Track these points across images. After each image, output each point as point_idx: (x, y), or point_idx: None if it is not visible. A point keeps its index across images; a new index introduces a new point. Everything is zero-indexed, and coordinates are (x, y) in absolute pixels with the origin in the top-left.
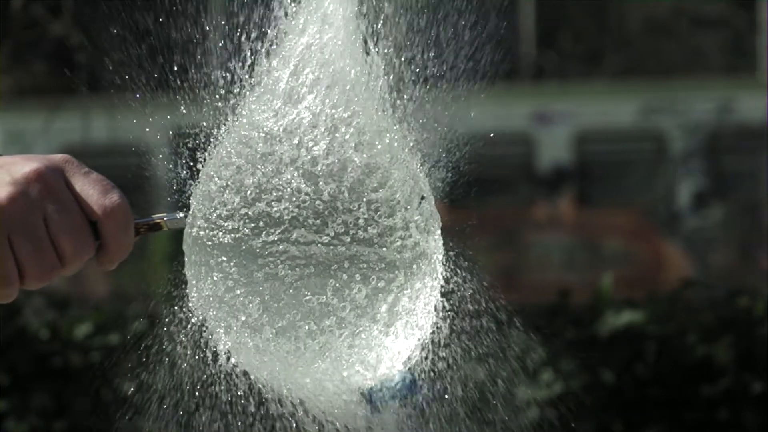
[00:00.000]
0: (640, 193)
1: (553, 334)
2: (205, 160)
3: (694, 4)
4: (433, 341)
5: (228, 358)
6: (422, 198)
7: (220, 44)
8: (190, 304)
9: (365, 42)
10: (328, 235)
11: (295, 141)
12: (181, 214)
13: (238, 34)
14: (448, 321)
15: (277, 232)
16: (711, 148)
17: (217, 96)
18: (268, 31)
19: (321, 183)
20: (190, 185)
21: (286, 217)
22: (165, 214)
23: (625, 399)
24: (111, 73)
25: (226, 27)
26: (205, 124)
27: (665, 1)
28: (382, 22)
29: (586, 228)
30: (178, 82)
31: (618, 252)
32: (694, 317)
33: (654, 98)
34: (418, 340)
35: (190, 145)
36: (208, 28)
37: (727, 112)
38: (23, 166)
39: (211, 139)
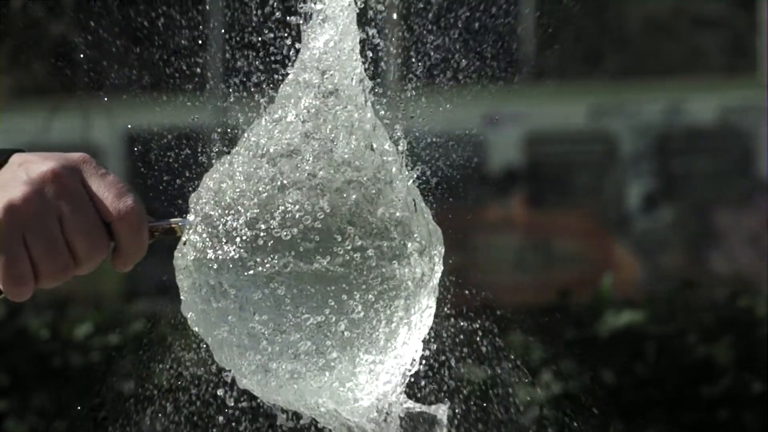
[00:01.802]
0: (591, 195)
1: (553, 334)
2: (201, 177)
3: (694, 4)
4: (430, 355)
5: (231, 377)
6: (414, 202)
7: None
8: (191, 325)
9: (363, 51)
10: (326, 255)
11: (295, 162)
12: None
13: (240, 54)
14: (446, 335)
15: (276, 252)
16: (660, 150)
17: (219, 117)
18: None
19: (320, 203)
20: (188, 193)
21: (285, 238)
22: (180, 219)
23: (625, 399)
24: (111, 72)
25: (229, 48)
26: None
27: (665, 2)
28: (379, 35)
29: (537, 229)
30: (177, 84)
31: (568, 253)
32: (694, 317)
33: (604, 100)
34: (416, 358)
35: (183, 153)
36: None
37: (676, 114)
38: (40, 165)
39: (212, 156)
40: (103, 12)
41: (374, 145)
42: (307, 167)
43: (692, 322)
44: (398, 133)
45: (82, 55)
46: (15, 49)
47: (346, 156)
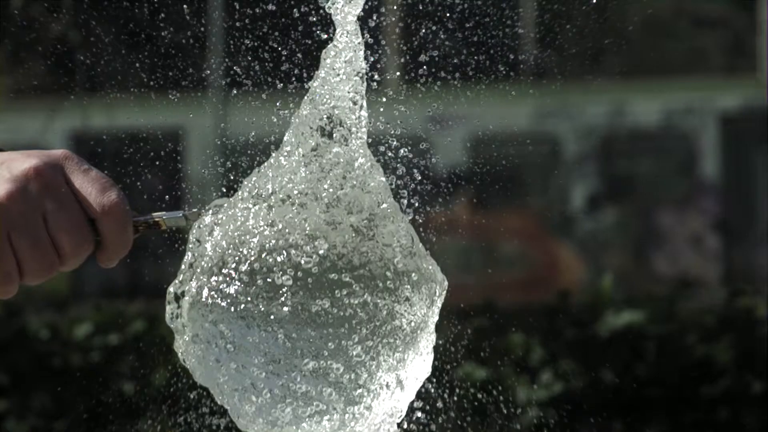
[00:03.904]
0: (535, 196)
1: (553, 334)
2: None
3: (694, 4)
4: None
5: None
6: (412, 240)
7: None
8: (188, 367)
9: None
10: (324, 299)
11: (294, 205)
12: (180, 213)
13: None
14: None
15: (274, 296)
16: (604, 152)
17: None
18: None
19: (317, 247)
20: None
21: (285, 282)
22: (164, 213)
23: (625, 399)
24: (110, 72)
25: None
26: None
27: (665, 2)
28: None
29: (482, 231)
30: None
31: (514, 254)
32: (694, 317)
33: (548, 102)
34: (412, 398)
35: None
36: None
37: (619, 115)
38: (23, 162)
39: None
40: (102, 12)
41: (371, 186)
42: (305, 211)
43: (692, 322)
44: (395, 142)
45: (81, 56)
46: (15, 49)
47: (343, 199)
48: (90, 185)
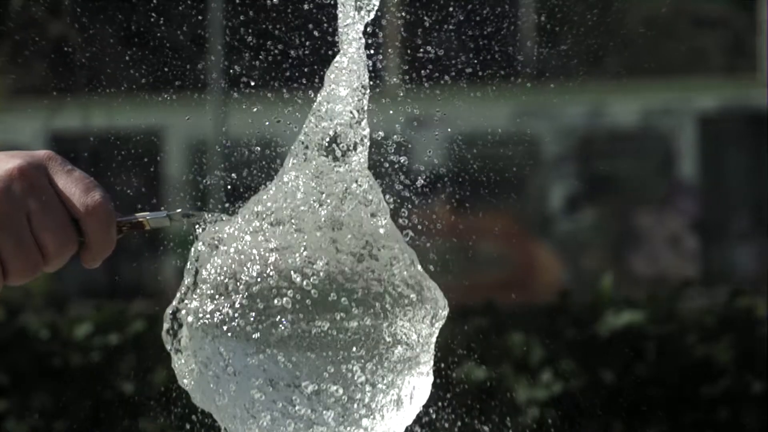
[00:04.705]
0: (515, 197)
1: (553, 334)
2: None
3: (694, 4)
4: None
5: None
6: (412, 263)
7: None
8: (187, 390)
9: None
10: (324, 320)
11: (293, 226)
12: (164, 213)
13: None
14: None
15: (273, 317)
16: (583, 152)
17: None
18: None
19: (316, 268)
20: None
21: (286, 305)
22: (148, 213)
23: (625, 399)
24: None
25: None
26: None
27: (664, 2)
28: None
29: (460, 231)
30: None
31: (493, 255)
32: (694, 317)
33: (527, 102)
34: (412, 419)
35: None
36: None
37: (598, 116)
38: (6, 163)
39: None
40: (101, 12)
41: (370, 206)
42: (304, 232)
43: (692, 322)
44: (392, 148)
45: (80, 55)
46: (14, 49)
47: (343, 220)
48: (74, 185)
